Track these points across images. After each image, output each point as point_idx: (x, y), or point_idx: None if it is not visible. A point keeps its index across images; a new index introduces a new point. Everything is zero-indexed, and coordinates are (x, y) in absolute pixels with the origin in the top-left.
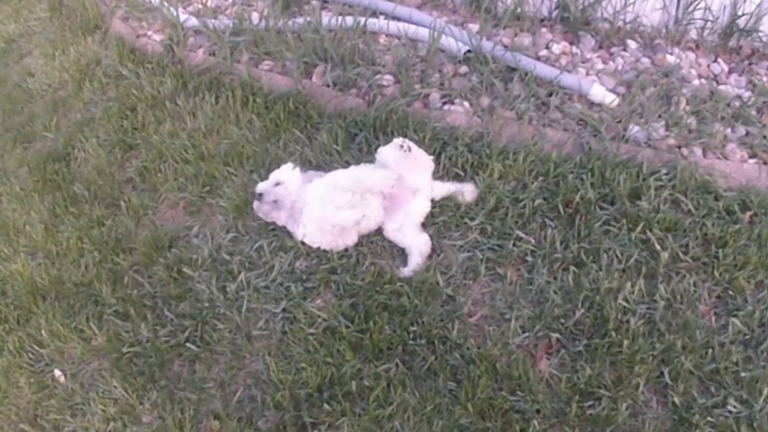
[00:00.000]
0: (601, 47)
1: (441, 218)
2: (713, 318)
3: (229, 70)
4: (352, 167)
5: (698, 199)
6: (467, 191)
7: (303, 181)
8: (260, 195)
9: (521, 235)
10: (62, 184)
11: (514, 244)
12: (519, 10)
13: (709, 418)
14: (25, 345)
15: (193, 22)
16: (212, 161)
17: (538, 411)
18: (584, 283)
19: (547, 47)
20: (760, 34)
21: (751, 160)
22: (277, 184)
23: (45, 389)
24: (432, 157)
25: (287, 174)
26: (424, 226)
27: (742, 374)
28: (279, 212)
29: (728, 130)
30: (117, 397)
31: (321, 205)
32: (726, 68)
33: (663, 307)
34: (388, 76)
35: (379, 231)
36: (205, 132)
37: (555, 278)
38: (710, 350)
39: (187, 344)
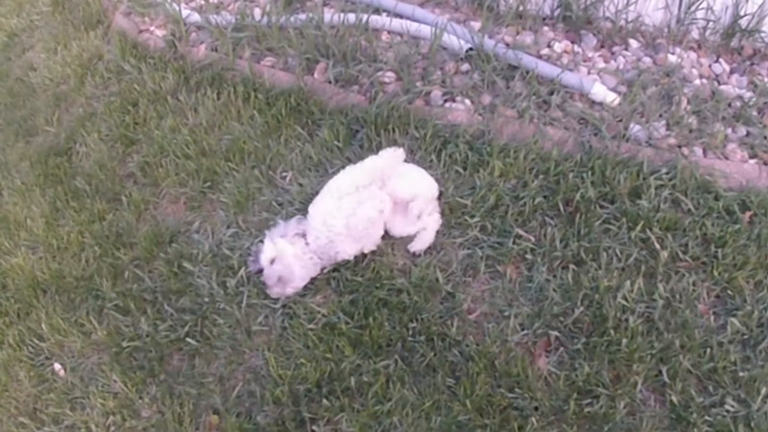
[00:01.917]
0: (602, 46)
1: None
2: (712, 317)
3: (231, 66)
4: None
5: (698, 198)
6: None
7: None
8: (260, 271)
9: (521, 233)
10: (63, 179)
11: (514, 242)
12: (521, 8)
13: (706, 417)
14: (26, 338)
15: (196, 17)
16: (213, 157)
17: (536, 408)
18: (584, 282)
19: (549, 46)
20: (762, 34)
21: (752, 161)
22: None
23: (45, 383)
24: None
25: (276, 248)
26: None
27: (740, 374)
28: (287, 284)
29: (729, 130)
30: (116, 391)
31: (343, 217)
32: (727, 68)
33: (662, 306)
34: (389, 73)
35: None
36: (207, 127)
37: (554, 276)
38: (709, 349)
39: (187, 339)
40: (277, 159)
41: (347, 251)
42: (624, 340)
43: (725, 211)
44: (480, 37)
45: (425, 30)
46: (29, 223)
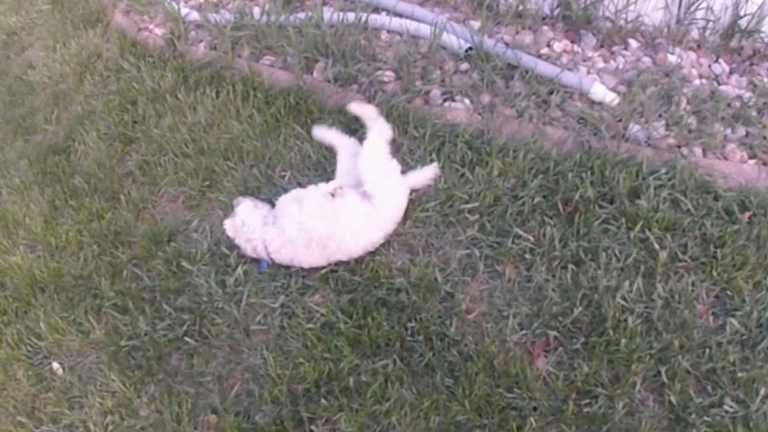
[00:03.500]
0: (602, 46)
1: (440, 215)
2: (711, 318)
3: (230, 65)
4: None
5: (697, 198)
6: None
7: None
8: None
9: (520, 232)
10: (62, 177)
11: (513, 242)
12: (521, 7)
13: (705, 418)
14: (24, 337)
15: (195, 16)
16: (212, 156)
17: (535, 408)
18: (582, 282)
19: (549, 45)
20: (762, 34)
21: (751, 161)
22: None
23: (43, 382)
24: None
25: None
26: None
27: (739, 374)
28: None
29: (728, 131)
30: (115, 390)
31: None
32: (727, 68)
33: (661, 306)
34: (389, 73)
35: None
36: (206, 126)
37: (553, 276)
38: (707, 350)
39: (186, 338)
40: (276, 158)
41: (278, 247)
42: (623, 341)
43: (724, 211)
44: (479, 36)
45: (424, 29)
46: (28, 221)
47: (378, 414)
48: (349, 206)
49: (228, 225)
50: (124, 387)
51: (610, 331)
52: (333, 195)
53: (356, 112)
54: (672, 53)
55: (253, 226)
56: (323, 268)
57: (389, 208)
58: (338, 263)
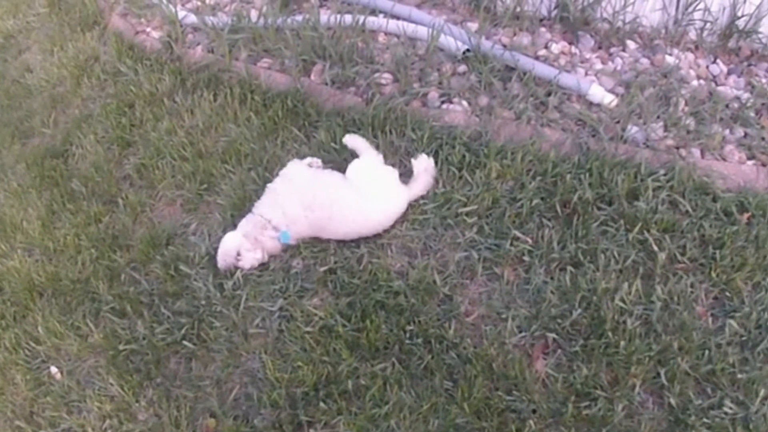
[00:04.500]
0: (600, 47)
1: (438, 217)
2: (710, 319)
3: (227, 68)
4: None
5: (696, 200)
6: None
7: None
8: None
9: (518, 234)
10: (60, 181)
11: (511, 244)
12: (518, 9)
13: (705, 420)
14: (22, 342)
15: (192, 19)
16: (210, 159)
17: (534, 411)
18: (581, 284)
19: (546, 47)
20: (760, 35)
21: (749, 162)
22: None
23: (41, 386)
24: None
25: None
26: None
27: (739, 376)
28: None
29: (727, 132)
30: (113, 394)
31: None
32: (725, 69)
33: (660, 308)
34: (386, 75)
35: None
36: (203, 129)
37: (552, 278)
38: (707, 351)
39: (184, 342)
40: (274, 161)
41: (271, 216)
42: (622, 343)
43: (723, 212)
44: (477, 38)
45: (422, 31)
46: (25, 225)
47: (377, 417)
48: (332, 175)
49: (248, 257)
50: (122, 391)
51: (609, 333)
52: (310, 165)
53: (350, 145)
54: (670, 54)
55: (252, 218)
56: (321, 267)
57: (375, 196)
58: (337, 260)
